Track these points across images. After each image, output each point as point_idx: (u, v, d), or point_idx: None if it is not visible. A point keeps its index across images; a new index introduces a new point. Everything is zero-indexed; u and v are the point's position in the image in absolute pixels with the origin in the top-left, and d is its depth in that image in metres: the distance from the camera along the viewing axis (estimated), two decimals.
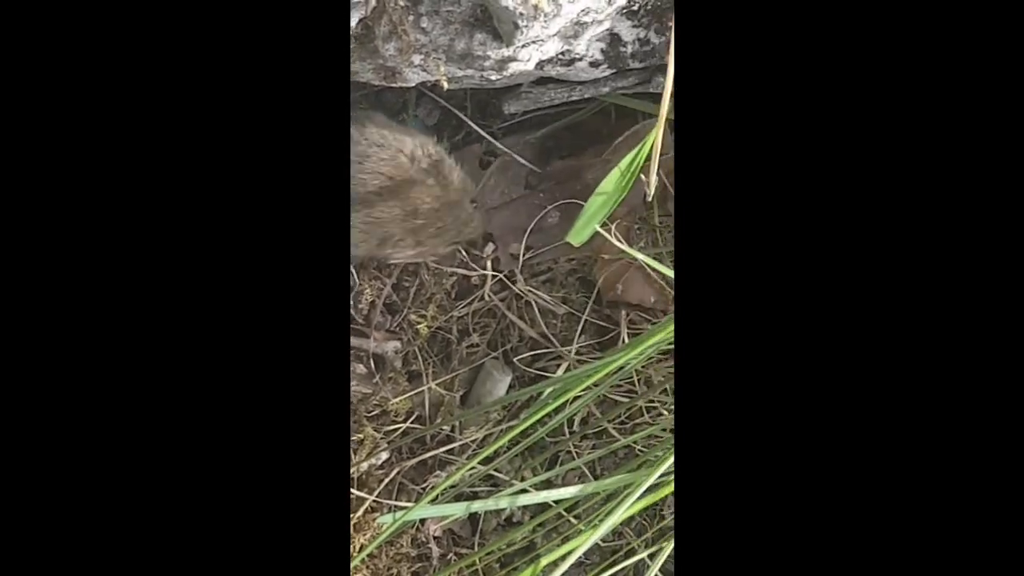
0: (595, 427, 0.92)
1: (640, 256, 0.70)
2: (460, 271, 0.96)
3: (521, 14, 0.70)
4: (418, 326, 0.95)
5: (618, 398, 0.93)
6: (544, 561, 0.67)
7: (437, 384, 0.94)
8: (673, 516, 0.90)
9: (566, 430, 0.93)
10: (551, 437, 0.92)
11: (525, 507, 0.92)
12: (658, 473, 0.65)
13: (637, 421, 0.92)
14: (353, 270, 0.94)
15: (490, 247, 0.96)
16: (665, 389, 0.90)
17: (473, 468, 0.79)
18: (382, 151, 0.82)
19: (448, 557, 0.93)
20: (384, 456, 0.94)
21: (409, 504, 0.91)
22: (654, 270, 0.91)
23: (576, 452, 0.92)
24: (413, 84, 0.81)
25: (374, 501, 0.92)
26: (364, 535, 0.90)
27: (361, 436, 0.92)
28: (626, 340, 0.93)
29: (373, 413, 0.93)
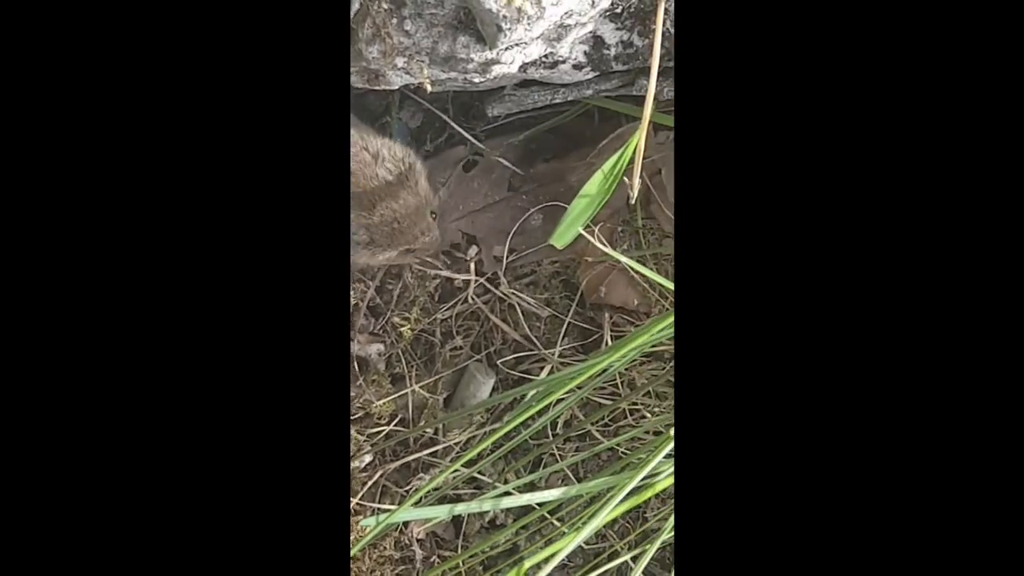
0: (578, 430, 0.92)
1: (623, 259, 0.70)
2: (443, 274, 0.96)
3: (504, 17, 0.70)
4: (401, 329, 0.95)
5: (601, 400, 0.93)
6: (527, 563, 0.67)
7: (420, 387, 0.94)
8: (657, 519, 0.90)
9: (549, 433, 0.93)
10: (534, 440, 0.92)
11: (508, 509, 0.92)
12: (641, 476, 0.65)
13: (620, 424, 0.93)
14: None
15: (473, 249, 0.96)
16: (649, 392, 0.90)
17: (456, 471, 0.78)
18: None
19: (431, 560, 0.93)
20: (367, 459, 0.93)
21: (392, 507, 0.90)
22: (637, 272, 0.91)
23: (559, 455, 0.92)
24: (396, 87, 0.81)
25: (357, 504, 0.91)
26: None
27: None
28: (609, 343, 0.93)
29: (357, 416, 0.93)
